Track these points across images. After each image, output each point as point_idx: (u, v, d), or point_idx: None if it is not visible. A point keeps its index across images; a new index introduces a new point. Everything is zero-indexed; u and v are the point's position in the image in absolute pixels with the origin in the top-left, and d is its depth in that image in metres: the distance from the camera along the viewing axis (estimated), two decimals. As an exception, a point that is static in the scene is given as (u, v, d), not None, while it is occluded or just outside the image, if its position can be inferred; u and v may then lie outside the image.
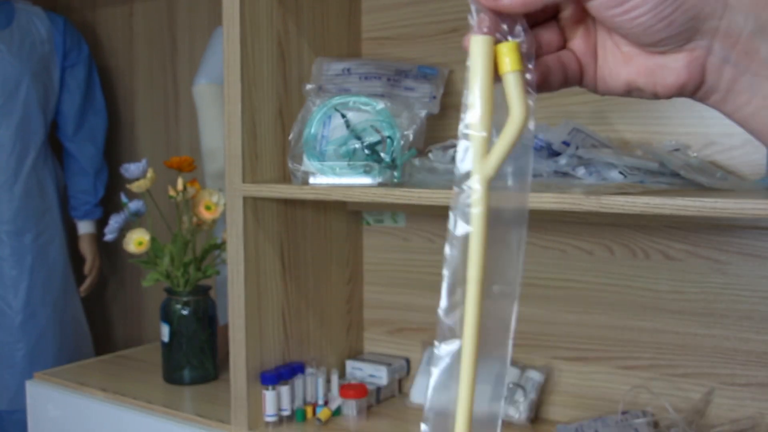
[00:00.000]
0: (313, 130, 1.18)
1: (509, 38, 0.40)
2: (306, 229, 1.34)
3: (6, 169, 1.91)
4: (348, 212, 1.45)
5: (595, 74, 0.44)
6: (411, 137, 1.16)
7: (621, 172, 1.01)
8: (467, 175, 0.39)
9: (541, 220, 1.28)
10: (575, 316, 1.26)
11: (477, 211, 0.38)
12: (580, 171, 1.01)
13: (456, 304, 0.38)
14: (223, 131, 1.46)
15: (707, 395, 1.17)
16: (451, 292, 0.39)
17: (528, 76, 0.40)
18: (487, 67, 0.39)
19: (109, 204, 2.19)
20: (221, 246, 1.44)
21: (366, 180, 1.12)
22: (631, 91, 0.43)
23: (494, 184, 0.39)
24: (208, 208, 1.41)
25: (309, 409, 1.30)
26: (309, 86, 1.22)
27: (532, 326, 1.31)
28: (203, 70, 1.63)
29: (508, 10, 0.40)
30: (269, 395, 1.25)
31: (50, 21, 2.02)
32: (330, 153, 1.16)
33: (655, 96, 0.42)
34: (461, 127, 0.39)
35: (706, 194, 0.85)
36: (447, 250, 0.39)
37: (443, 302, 0.39)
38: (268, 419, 1.26)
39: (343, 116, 1.16)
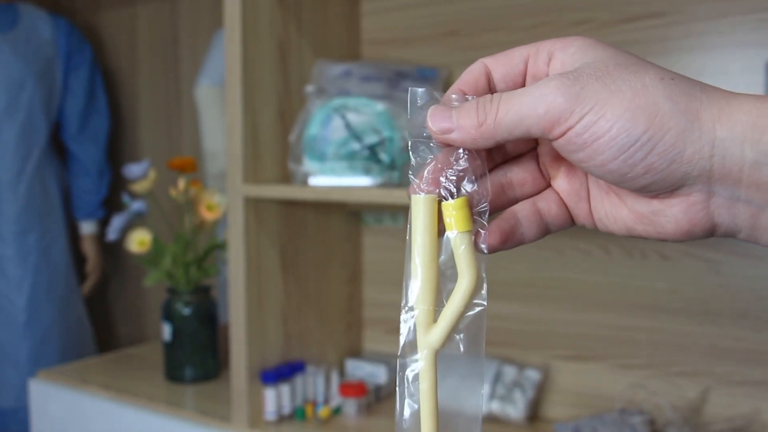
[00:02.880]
0: (313, 131, 1.16)
1: (455, 189, 0.35)
2: (306, 229, 1.32)
3: (10, 169, 1.91)
4: (348, 212, 1.43)
5: (590, 214, 0.38)
6: (410, 138, 1.12)
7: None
8: (411, 347, 0.36)
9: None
10: (573, 316, 1.25)
11: (425, 386, 0.35)
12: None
13: None
14: (224, 132, 1.49)
15: (703, 393, 1.16)
16: None
17: (481, 233, 0.36)
18: (430, 229, 0.35)
19: (111, 204, 2.18)
20: (222, 246, 1.43)
21: (366, 181, 1.12)
22: (636, 236, 0.37)
23: (445, 352, 0.36)
24: (209, 208, 1.40)
25: (309, 408, 1.28)
26: (309, 88, 1.21)
27: (530, 325, 1.29)
28: (205, 72, 1.62)
29: (458, 144, 0.35)
30: (270, 393, 1.23)
31: (54, 23, 2.02)
32: (330, 154, 1.15)
33: (666, 240, 0.36)
34: (403, 302, 0.35)
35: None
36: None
37: None
38: (269, 417, 1.24)
39: (344, 118, 1.15)
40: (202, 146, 1.64)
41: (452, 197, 0.35)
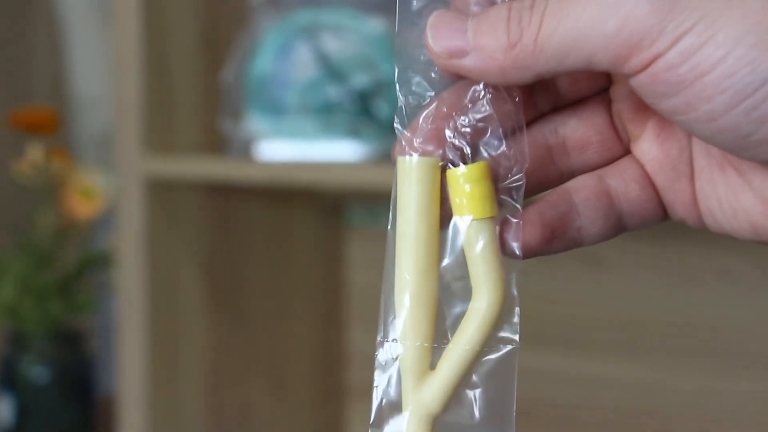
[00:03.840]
0: (263, 67, 1.01)
1: (470, 150, 0.30)
2: (251, 234, 1.14)
3: None
4: (321, 205, 1.23)
5: (694, 202, 0.31)
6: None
7: None
8: (392, 410, 0.30)
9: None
10: (709, 381, 1.09)
11: None
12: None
13: None
14: (110, 66, 1.32)
15: None
16: None
17: (511, 223, 0.29)
18: (427, 212, 0.29)
19: None
20: (106, 261, 1.22)
21: (351, 149, 0.97)
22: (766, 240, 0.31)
23: (449, 420, 0.29)
24: (84, 196, 1.23)
25: None
26: (257, -4, 1.09)
27: (624, 397, 1.10)
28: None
29: (475, 76, 0.29)
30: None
31: None
32: (292, 104, 0.99)
33: None
34: (379, 334, 0.30)
35: None
36: None
37: None
38: None
39: (315, 45, 0.99)
40: (72, 90, 1.47)
41: (465, 162, 0.29)
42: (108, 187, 1.22)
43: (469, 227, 0.29)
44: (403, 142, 0.29)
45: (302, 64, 0.98)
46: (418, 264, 0.29)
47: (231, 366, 1.13)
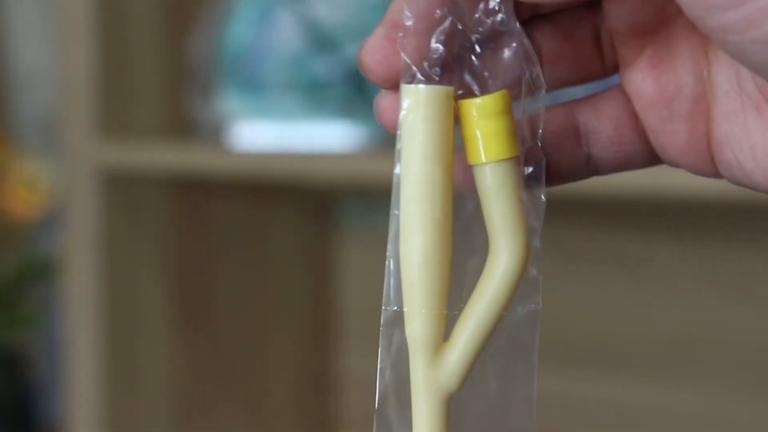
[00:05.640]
0: (240, 37, 0.97)
1: (489, 76, 0.29)
2: (225, 236, 1.09)
3: None
4: (308, 201, 1.17)
5: (700, 147, 0.30)
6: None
7: None
8: (399, 393, 0.29)
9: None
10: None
11: None
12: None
13: None
14: (56, 37, 1.33)
15: None
16: None
17: (535, 160, 0.30)
18: (438, 153, 0.28)
19: None
20: (49, 267, 1.22)
21: (343, 134, 0.94)
22: None
23: (465, 394, 0.29)
24: (25, 189, 1.26)
25: None
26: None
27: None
28: None
29: None
30: None
31: None
32: (274, 80, 0.96)
33: None
34: (384, 302, 0.29)
35: None
36: None
37: None
38: None
39: (299, 11, 0.96)
40: (9, 62, 1.46)
41: (482, 92, 0.28)
42: (54, 179, 1.22)
43: (487, 171, 0.28)
44: (407, 65, 0.28)
45: (286, 33, 0.93)
46: (427, 213, 0.28)
47: (201, 391, 1.07)
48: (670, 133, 0.30)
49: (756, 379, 0.99)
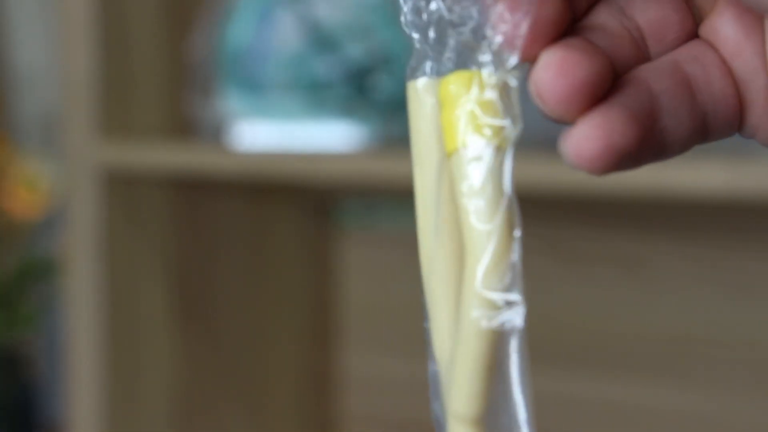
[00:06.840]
0: (240, 37, 0.98)
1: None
2: (226, 236, 1.10)
3: None
4: (309, 201, 1.18)
5: None
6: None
7: None
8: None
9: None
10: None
11: None
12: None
13: None
14: (58, 37, 1.28)
15: None
16: None
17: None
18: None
19: None
20: (51, 268, 1.23)
21: (344, 134, 0.94)
22: None
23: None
24: (26, 189, 1.28)
25: None
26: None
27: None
28: None
29: None
30: None
31: None
32: (274, 80, 0.96)
33: None
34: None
35: None
36: None
37: None
38: None
39: (300, 11, 0.97)
40: (11, 63, 1.49)
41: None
42: (54, 179, 1.22)
43: (451, 162, 0.26)
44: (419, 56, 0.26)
45: (286, 33, 0.93)
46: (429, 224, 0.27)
47: (201, 391, 1.08)
48: (760, 90, 0.28)
49: (756, 379, 0.99)
